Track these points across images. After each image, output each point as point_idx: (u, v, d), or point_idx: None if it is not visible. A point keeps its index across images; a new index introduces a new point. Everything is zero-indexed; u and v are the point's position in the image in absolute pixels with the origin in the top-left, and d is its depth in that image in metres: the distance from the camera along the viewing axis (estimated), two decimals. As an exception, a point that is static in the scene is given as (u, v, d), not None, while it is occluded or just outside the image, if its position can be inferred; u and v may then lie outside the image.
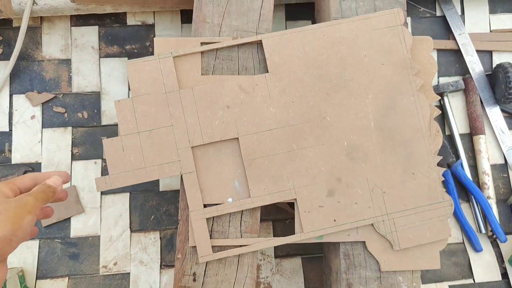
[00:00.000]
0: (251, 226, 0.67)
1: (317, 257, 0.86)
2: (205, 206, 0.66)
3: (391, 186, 0.67)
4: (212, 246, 0.66)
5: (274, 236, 0.86)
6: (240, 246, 0.66)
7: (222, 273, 0.67)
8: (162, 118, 0.66)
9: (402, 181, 0.67)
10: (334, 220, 0.66)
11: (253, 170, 0.66)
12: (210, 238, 0.66)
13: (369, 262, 0.68)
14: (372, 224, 0.66)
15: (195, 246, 0.66)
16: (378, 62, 0.68)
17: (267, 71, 0.68)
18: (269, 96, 0.67)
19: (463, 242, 0.88)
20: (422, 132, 0.68)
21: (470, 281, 0.86)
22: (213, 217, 0.67)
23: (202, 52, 0.69)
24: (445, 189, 0.79)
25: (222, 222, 0.67)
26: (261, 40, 0.69)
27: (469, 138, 0.92)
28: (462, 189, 0.90)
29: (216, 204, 0.66)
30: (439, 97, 0.67)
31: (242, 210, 0.67)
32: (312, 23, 0.94)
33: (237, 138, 0.66)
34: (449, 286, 0.86)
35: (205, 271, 0.66)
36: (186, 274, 0.66)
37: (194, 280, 0.66)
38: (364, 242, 0.67)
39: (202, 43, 0.69)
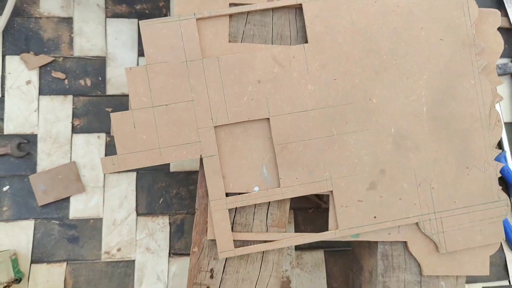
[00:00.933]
0: (278, 219, 0.59)
1: (342, 251, 0.79)
2: (227, 195, 0.58)
3: (442, 182, 0.59)
4: (234, 240, 0.57)
5: (295, 226, 0.78)
6: (265, 241, 0.58)
7: (243, 270, 0.59)
8: (181, 91, 0.57)
9: (455, 177, 0.59)
10: (375, 217, 0.58)
11: (285, 156, 0.57)
12: (232, 231, 0.58)
13: (409, 264, 0.60)
14: (417, 223, 0.59)
15: (214, 240, 0.58)
16: (437, 37, 0.59)
17: (306, 41, 0.59)
18: (307, 71, 0.58)
19: (501, 241, 0.81)
20: (481, 121, 0.59)
21: (506, 282, 0.79)
22: (236, 207, 0.58)
23: (230, 15, 0.59)
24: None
25: (246, 213, 0.59)
26: (301, 4, 0.58)
27: (514, 127, 0.83)
28: (502, 182, 0.82)
29: (240, 193, 0.58)
30: (504, 82, 0.58)
31: (270, 201, 0.58)
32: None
33: (268, 118, 0.58)
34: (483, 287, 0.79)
35: (224, 268, 0.59)
36: (203, 270, 0.58)
37: (212, 277, 0.58)
38: (405, 242, 0.60)
39: (231, 4, 0.59)
